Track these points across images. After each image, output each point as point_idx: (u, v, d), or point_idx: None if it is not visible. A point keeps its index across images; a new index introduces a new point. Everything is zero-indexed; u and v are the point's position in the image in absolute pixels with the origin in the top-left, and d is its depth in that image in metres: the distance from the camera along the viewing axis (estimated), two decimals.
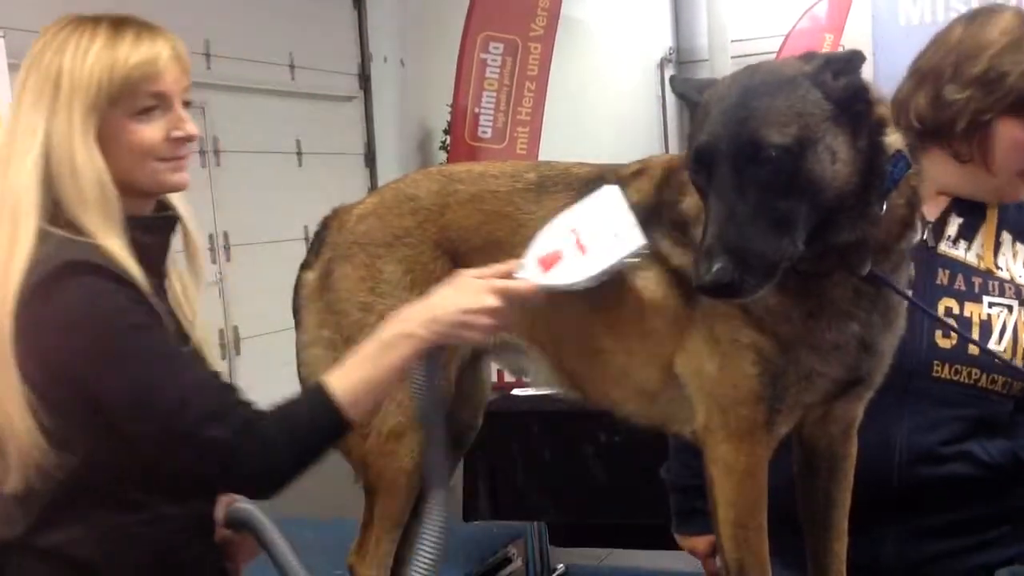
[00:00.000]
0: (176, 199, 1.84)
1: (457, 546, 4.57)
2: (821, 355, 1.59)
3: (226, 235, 8.20)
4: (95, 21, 1.72)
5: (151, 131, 1.70)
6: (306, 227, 8.24)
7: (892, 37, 9.52)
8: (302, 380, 1.87)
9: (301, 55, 9.14)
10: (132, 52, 1.69)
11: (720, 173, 1.46)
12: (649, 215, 1.66)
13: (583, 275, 1.61)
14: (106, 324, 1.58)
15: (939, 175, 1.95)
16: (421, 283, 1.80)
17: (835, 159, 1.45)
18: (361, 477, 1.84)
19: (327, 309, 1.83)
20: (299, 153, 9.12)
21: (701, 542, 2.25)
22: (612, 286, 1.71)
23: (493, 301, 1.56)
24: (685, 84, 1.59)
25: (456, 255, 1.82)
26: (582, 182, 1.79)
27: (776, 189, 1.43)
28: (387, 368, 1.58)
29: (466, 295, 1.57)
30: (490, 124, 8.63)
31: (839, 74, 1.48)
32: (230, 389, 1.64)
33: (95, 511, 1.68)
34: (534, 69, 8.69)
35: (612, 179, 1.75)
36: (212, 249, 8.02)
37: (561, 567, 4.72)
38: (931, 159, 1.93)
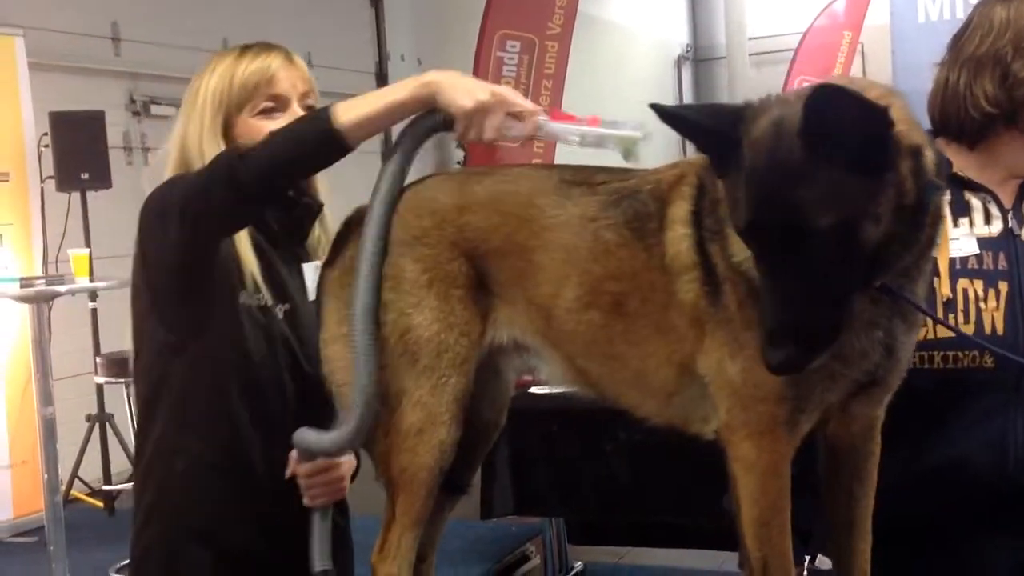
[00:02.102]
0: (321, 191, 2.22)
1: (475, 543, 4.58)
2: (846, 360, 1.59)
3: None
4: (230, 50, 2.15)
5: (271, 126, 2.03)
6: None
7: (911, 33, 9.48)
8: (325, 377, 1.88)
9: (318, 53, 9.12)
10: (250, 64, 2.11)
11: (773, 255, 1.47)
12: (695, 219, 1.67)
13: (576, 130, 1.81)
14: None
15: (1016, 159, 1.94)
16: (438, 282, 1.80)
17: (879, 221, 1.45)
18: (382, 474, 1.83)
19: (349, 306, 1.83)
20: None
21: None
22: (636, 285, 1.71)
23: (487, 96, 1.78)
24: (709, 115, 1.56)
25: (475, 256, 1.81)
26: (609, 189, 1.78)
27: (830, 267, 1.45)
28: (389, 99, 1.84)
29: (479, 83, 1.82)
30: None
31: (860, 145, 1.42)
32: None
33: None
34: (551, 67, 8.70)
35: (648, 184, 1.75)
36: None
37: (579, 565, 4.72)
38: (1003, 144, 1.92)
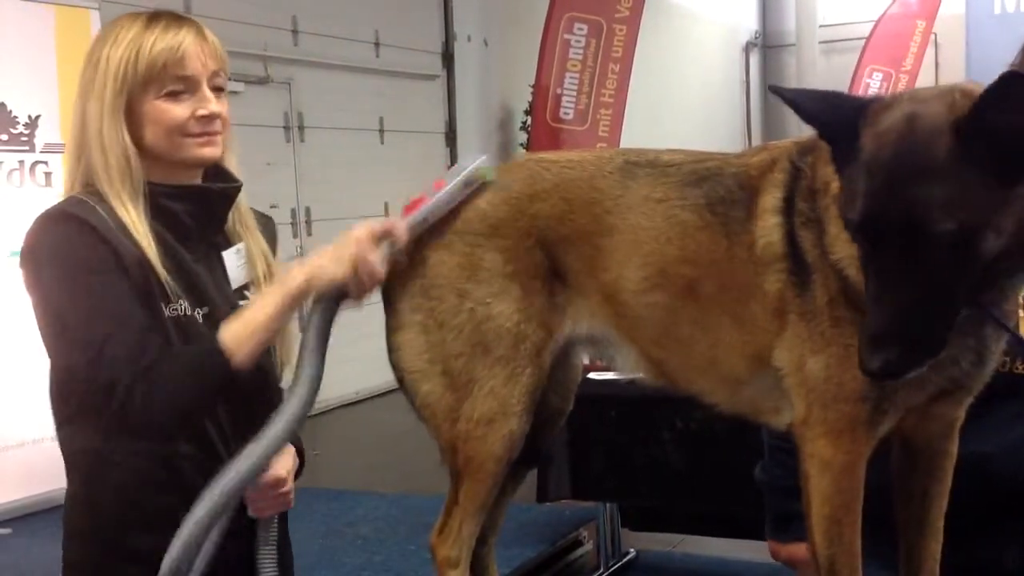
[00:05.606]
0: (236, 173, 2.01)
1: (529, 526, 4.59)
2: (937, 366, 1.56)
3: (308, 210, 8.29)
4: (137, 15, 1.92)
5: (178, 110, 1.89)
6: (386, 203, 8.29)
7: (986, 24, 9.31)
8: (393, 366, 1.88)
9: (386, 33, 9.19)
10: (158, 40, 1.88)
11: (885, 254, 1.43)
12: (787, 207, 1.64)
13: (426, 208, 1.79)
14: (61, 261, 1.82)
15: None
16: (522, 272, 1.80)
17: (1001, 235, 1.39)
18: (448, 460, 1.83)
19: (421, 294, 1.83)
20: (381, 130, 9.18)
21: (801, 549, 2.15)
22: (714, 272, 1.69)
23: (353, 249, 1.74)
24: (830, 104, 1.51)
25: (547, 245, 1.81)
26: (685, 171, 1.77)
27: (943, 274, 1.40)
28: (270, 317, 1.79)
29: (338, 243, 1.76)
30: (572, 106, 8.61)
31: (1015, 150, 1.37)
32: (149, 335, 1.79)
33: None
34: (618, 51, 8.64)
35: (732, 168, 1.73)
36: (294, 224, 8.13)
37: (632, 552, 4.71)
38: None
